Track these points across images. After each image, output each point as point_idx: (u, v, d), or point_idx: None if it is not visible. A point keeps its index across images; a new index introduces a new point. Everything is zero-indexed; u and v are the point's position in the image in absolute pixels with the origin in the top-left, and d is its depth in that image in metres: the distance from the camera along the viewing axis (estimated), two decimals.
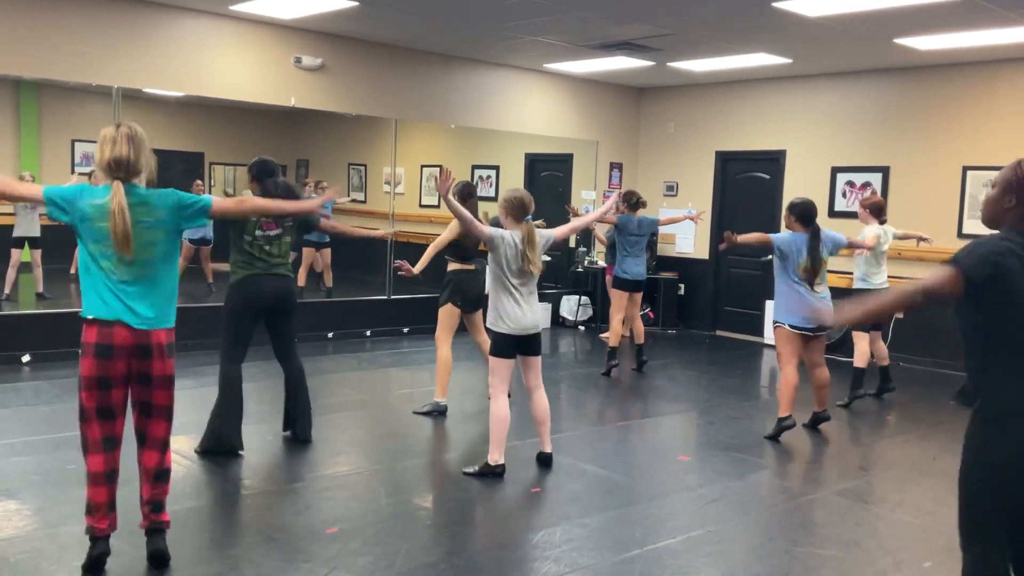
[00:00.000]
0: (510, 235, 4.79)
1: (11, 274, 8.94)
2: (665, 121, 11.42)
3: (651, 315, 10.94)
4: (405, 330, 9.62)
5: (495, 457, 4.86)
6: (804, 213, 5.91)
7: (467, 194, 6.05)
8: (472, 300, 6.21)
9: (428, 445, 5.62)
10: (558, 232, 5.08)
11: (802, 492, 4.99)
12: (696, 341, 10.37)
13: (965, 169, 8.69)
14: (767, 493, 4.96)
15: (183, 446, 5.13)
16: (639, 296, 8.00)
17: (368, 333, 9.39)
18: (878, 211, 7.05)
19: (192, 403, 5.68)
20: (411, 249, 10.71)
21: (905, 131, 9.20)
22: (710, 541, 4.09)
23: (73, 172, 9.99)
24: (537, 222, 4.91)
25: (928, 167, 9.01)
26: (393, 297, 9.69)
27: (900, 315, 7.34)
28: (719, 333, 10.86)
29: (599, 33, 8.18)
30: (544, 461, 5.09)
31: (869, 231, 6.91)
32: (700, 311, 11.04)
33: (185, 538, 3.67)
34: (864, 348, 7.10)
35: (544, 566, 3.71)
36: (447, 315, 6.14)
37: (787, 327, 5.86)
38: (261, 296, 5.05)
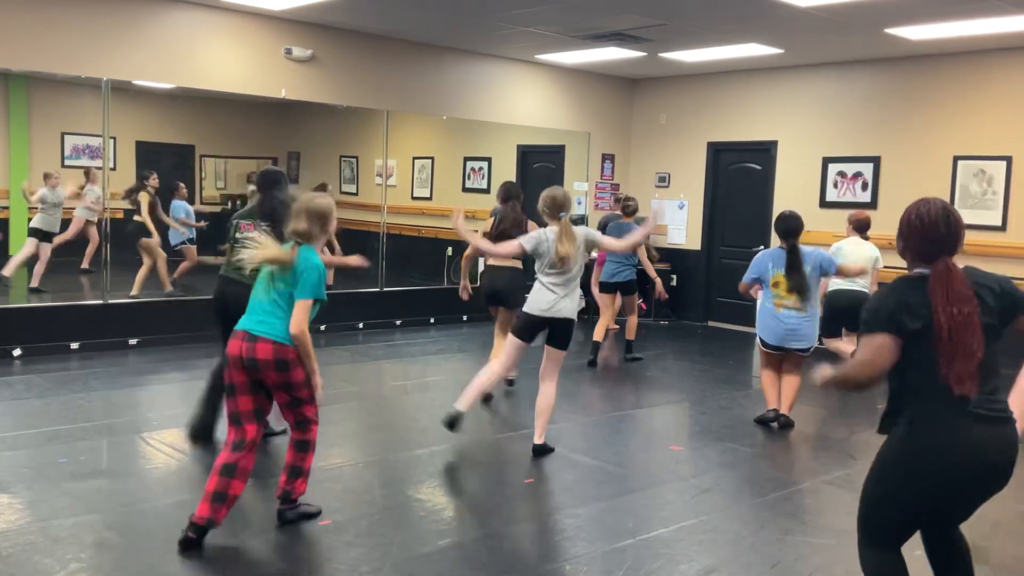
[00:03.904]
0: (549, 231, 4.93)
1: (17, 260, 9.06)
2: (657, 112, 11.41)
3: (643, 306, 10.94)
4: (397, 322, 9.61)
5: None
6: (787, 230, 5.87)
7: (505, 196, 6.24)
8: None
9: (421, 437, 5.62)
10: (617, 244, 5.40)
11: (793, 481, 5.01)
12: (688, 332, 10.40)
13: (956, 159, 8.70)
14: (759, 482, 4.98)
15: (175, 439, 5.13)
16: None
17: (360, 326, 9.38)
18: (863, 227, 7.18)
19: (183, 396, 5.67)
20: (403, 241, 10.71)
21: (896, 121, 9.21)
22: (702, 530, 4.11)
23: (63, 165, 9.95)
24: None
25: (919, 157, 9.02)
26: (386, 289, 9.68)
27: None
28: (711, 323, 10.88)
29: (591, 24, 8.17)
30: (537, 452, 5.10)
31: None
32: (692, 302, 11.06)
33: (176, 531, 3.66)
34: (844, 347, 7.22)
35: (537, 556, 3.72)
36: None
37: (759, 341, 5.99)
38: None
